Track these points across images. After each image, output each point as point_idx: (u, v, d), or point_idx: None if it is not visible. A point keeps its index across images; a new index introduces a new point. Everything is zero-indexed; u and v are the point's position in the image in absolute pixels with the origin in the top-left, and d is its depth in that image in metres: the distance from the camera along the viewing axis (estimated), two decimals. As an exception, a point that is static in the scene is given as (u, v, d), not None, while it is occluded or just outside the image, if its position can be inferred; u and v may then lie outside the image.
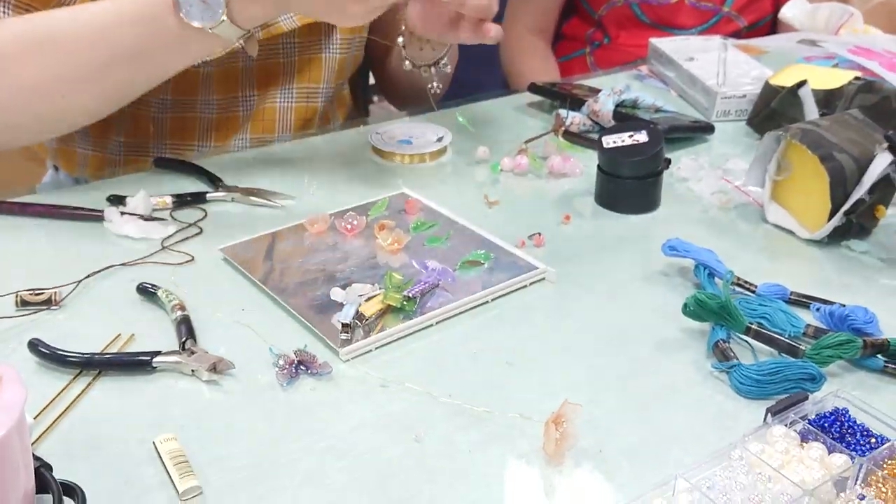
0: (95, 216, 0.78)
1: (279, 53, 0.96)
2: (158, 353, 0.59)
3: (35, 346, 0.60)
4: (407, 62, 0.96)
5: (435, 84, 0.98)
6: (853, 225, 0.76)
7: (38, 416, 0.54)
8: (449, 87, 1.10)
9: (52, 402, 0.56)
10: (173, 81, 0.88)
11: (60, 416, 0.55)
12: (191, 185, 0.86)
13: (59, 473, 0.47)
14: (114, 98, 0.83)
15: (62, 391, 0.57)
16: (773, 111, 0.96)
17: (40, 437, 0.53)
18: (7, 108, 0.79)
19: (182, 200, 0.82)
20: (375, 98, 1.73)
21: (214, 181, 0.85)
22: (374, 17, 0.77)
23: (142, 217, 0.78)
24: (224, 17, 0.74)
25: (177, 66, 0.81)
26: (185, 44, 0.77)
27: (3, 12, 0.82)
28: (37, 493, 0.45)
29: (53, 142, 0.99)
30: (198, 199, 0.82)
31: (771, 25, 1.51)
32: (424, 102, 1.06)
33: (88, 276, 0.69)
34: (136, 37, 0.77)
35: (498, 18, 1.53)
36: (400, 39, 0.94)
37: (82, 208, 0.79)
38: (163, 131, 0.95)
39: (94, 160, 0.96)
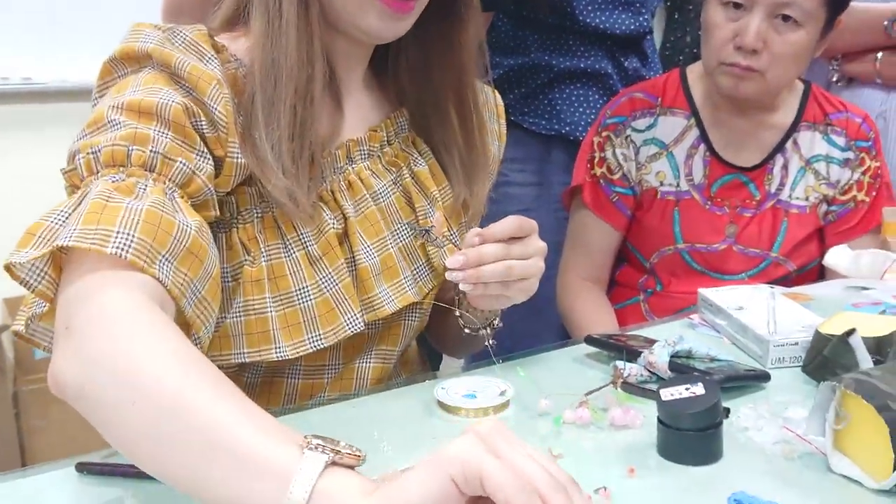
0: (178, 476, 0.82)
1: (368, 325, 1.02)
2: None
3: None
4: (466, 329, 1.07)
5: (491, 342, 1.07)
6: (920, 474, 0.77)
7: None
8: (504, 337, 1.18)
9: None
10: None
11: None
12: (267, 443, 0.90)
13: None
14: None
15: None
16: (826, 359, 0.99)
17: None
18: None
19: (260, 459, 0.85)
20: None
21: (290, 439, 0.89)
22: None
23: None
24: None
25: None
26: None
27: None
28: None
29: None
30: (274, 457, 0.86)
31: (820, 268, 1.57)
32: (475, 350, 1.16)
33: (172, 538, 0.72)
34: (223, 479, 0.62)
35: (550, 266, 1.64)
36: (457, 312, 1.06)
37: (166, 468, 0.83)
38: (251, 395, 1.01)
39: None
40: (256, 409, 0.65)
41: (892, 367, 0.84)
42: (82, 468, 0.84)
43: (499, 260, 0.94)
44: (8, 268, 0.75)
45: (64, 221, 0.77)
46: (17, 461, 2.28)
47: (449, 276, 0.96)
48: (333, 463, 0.60)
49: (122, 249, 0.74)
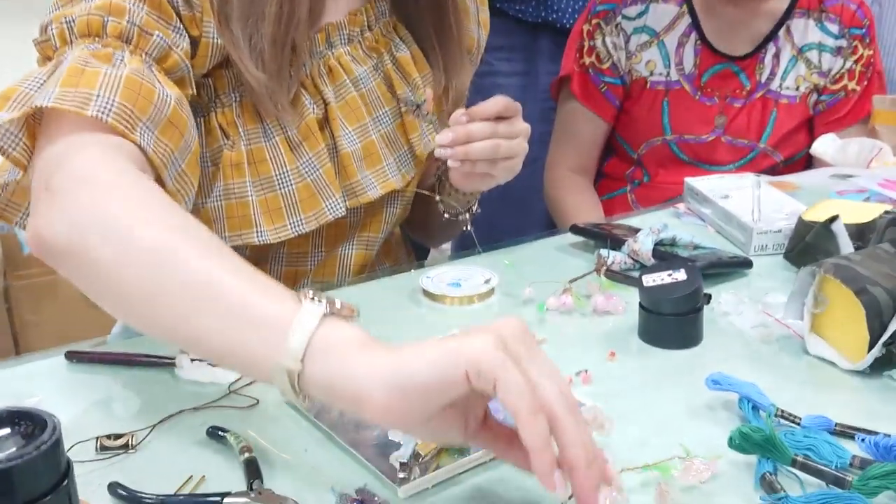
0: (167, 363, 0.84)
1: (349, 211, 1.02)
2: (228, 494, 0.63)
3: (115, 488, 0.64)
4: (446, 214, 1.07)
5: (469, 227, 1.09)
6: (894, 355, 0.78)
7: (117, 556, 0.58)
8: (490, 231, 1.19)
9: (130, 542, 0.59)
10: None
11: (138, 555, 0.58)
12: (255, 331, 0.91)
13: None
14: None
15: (139, 532, 0.61)
16: (808, 245, 1.00)
17: (120, 576, 0.57)
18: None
19: (247, 346, 0.87)
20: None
21: (277, 327, 0.90)
22: None
23: (210, 363, 0.83)
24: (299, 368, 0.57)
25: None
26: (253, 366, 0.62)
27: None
28: None
29: None
30: (261, 344, 0.87)
31: (807, 159, 1.56)
32: (452, 236, 1.18)
33: (162, 421, 0.74)
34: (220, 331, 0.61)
35: (536, 160, 1.63)
36: (437, 197, 1.07)
37: (154, 356, 0.85)
38: None
39: None
40: (248, 264, 0.64)
41: (872, 252, 0.84)
42: (72, 356, 0.86)
43: (486, 138, 0.95)
44: None
45: (39, 87, 0.76)
46: (11, 355, 2.31)
47: (438, 152, 0.96)
48: (332, 314, 0.58)
49: (104, 113, 0.73)
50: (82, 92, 0.73)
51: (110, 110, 0.73)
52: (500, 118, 0.96)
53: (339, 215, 0.98)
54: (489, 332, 0.55)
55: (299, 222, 0.96)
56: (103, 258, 0.65)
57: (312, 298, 0.58)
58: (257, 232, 0.94)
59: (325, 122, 0.98)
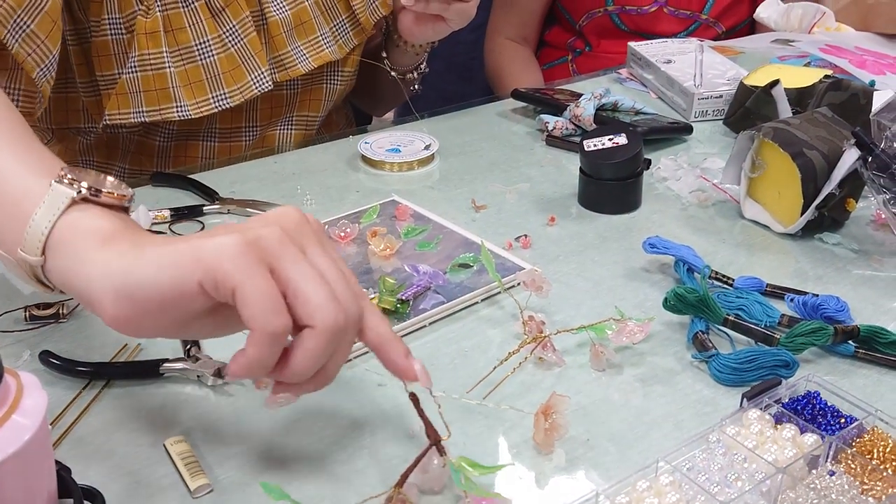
0: (97, 232, 0.81)
1: (283, 87, 0.98)
2: (165, 360, 0.62)
3: (46, 357, 0.62)
4: (393, 72, 1.03)
5: (417, 87, 1.07)
6: (825, 218, 0.80)
7: (53, 422, 0.57)
8: (434, 99, 1.16)
9: (65, 409, 0.59)
10: None
11: (74, 422, 0.58)
12: (188, 199, 0.89)
13: (75, 476, 0.50)
14: None
15: (75, 399, 0.60)
16: (747, 110, 1.00)
17: (57, 442, 0.56)
18: None
19: (180, 214, 0.85)
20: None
21: (210, 195, 0.88)
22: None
23: (142, 231, 0.81)
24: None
25: None
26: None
27: None
28: (59, 497, 0.47)
29: None
30: (195, 212, 0.85)
31: (749, 28, 1.55)
32: (398, 102, 1.16)
33: (93, 290, 0.72)
34: None
35: (481, 26, 1.59)
36: (383, 54, 1.03)
37: (84, 224, 0.82)
38: (166, 158, 0.98)
39: None
40: (24, 135, 0.55)
41: (810, 117, 0.84)
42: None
43: None
44: None
45: None
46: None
47: None
48: (86, 200, 0.50)
49: None
50: None
51: None
52: None
53: (266, 89, 0.93)
54: (240, 229, 0.46)
55: (222, 96, 0.91)
56: None
57: (67, 179, 0.50)
58: (177, 106, 0.89)
59: None
